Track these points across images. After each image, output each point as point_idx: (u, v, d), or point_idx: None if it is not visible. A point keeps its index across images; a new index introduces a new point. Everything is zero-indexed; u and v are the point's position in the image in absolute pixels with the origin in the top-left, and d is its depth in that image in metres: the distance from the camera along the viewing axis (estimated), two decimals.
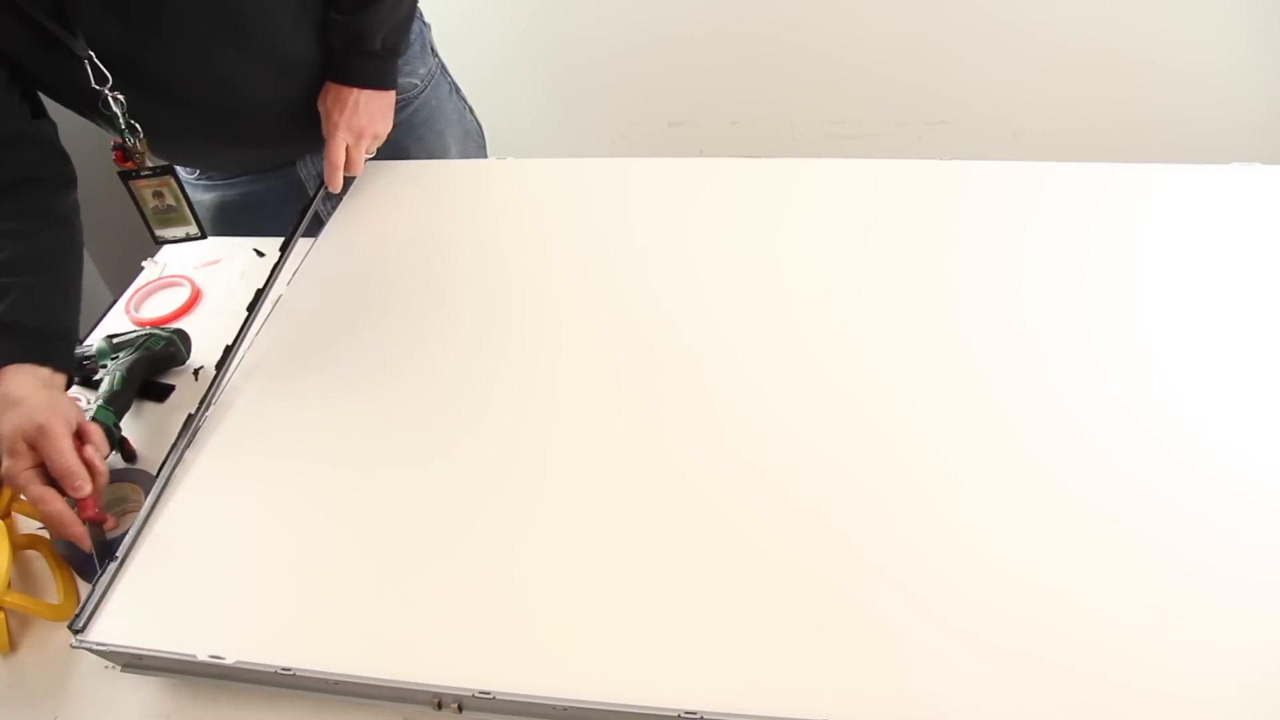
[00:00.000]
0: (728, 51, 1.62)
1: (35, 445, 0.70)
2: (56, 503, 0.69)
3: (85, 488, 0.70)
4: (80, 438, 0.73)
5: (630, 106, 1.71)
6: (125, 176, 0.93)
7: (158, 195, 0.95)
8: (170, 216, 0.97)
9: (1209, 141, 1.54)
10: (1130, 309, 0.79)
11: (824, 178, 0.99)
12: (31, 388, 0.73)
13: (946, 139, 1.67)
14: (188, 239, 1.00)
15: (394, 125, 1.05)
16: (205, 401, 0.82)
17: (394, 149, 1.10)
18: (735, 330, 0.82)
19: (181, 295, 1.05)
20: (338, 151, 0.98)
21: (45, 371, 0.76)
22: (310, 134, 1.00)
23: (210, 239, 1.14)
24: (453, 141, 1.19)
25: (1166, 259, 0.84)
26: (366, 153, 1.02)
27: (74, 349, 0.82)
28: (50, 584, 0.76)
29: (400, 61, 1.03)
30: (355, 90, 0.97)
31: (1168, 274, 0.82)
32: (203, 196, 1.13)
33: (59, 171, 0.87)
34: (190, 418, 0.80)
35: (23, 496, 0.71)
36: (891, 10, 1.54)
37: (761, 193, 0.98)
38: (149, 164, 0.93)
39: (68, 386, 0.78)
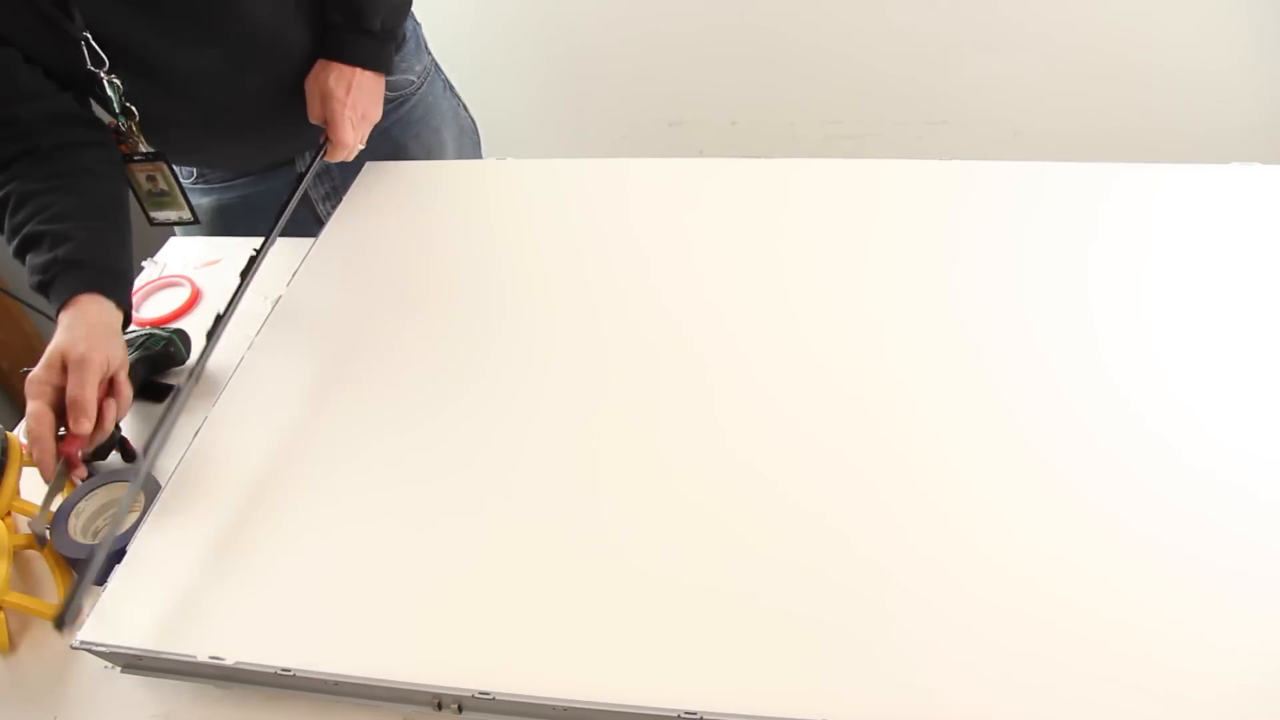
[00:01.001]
0: (728, 51, 1.62)
1: (67, 369, 0.73)
2: (45, 426, 0.71)
3: (85, 426, 0.71)
4: (110, 385, 0.75)
5: (630, 106, 1.71)
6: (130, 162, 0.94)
7: (150, 179, 0.96)
8: (163, 200, 0.98)
9: (1209, 141, 1.54)
10: (1131, 309, 0.79)
11: (824, 178, 0.99)
12: (98, 318, 0.77)
13: (946, 139, 1.67)
14: (180, 223, 1.00)
15: (393, 122, 1.05)
16: (194, 373, 0.82)
17: (392, 146, 1.10)
18: (735, 331, 0.82)
19: (181, 295, 1.05)
20: (345, 129, 0.97)
21: (110, 305, 0.79)
22: (309, 128, 1.00)
23: (210, 239, 1.14)
24: (449, 138, 1.19)
25: (1167, 259, 0.84)
26: (361, 141, 1.01)
27: (130, 291, 0.84)
28: (50, 584, 0.76)
29: (398, 58, 1.03)
30: (355, 70, 0.97)
31: (1168, 274, 0.82)
32: (200, 200, 1.13)
33: (96, 135, 0.89)
34: (177, 390, 0.80)
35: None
36: (892, 10, 1.53)
37: (761, 193, 0.97)
38: (141, 149, 0.93)
39: (124, 327, 0.82)
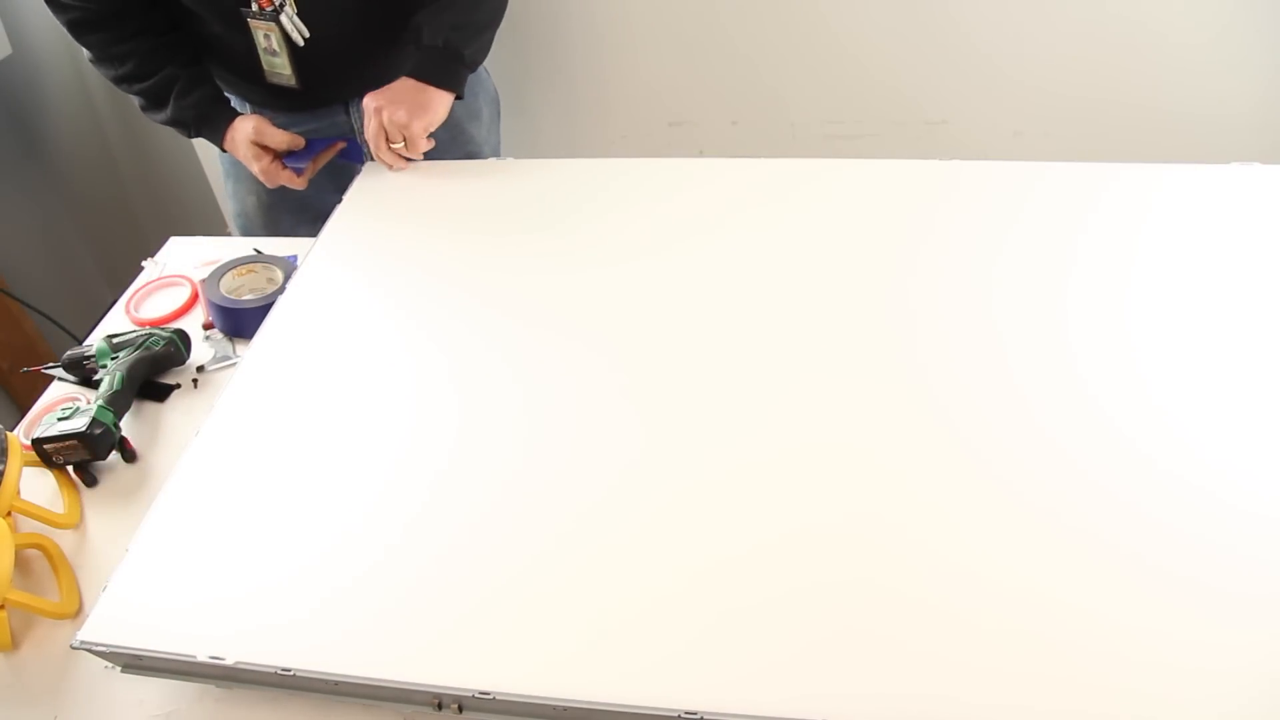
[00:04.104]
0: (728, 51, 1.62)
1: (263, 143, 1.07)
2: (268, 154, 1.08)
3: (300, 141, 1.10)
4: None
5: (630, 106, 1.71)
6: (245, 13, 1.03)
7: (266, 38, 1.05)
8: (274, 61, 1.08)
9: (1209, 141, 1.54)
10: (1130, 309, 0.79)
11: (824, 178, 0.99)
12: (254, 120, 1.08)
13: (946, 139, 1.67)
14: (285, 83, 1.10)
15: None
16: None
17: None
18: (735, 331, 0.82)
19: (181, 295, 1.05)
20: (374, 132, 1.04)
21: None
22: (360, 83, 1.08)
23: (210, 238, 1.15)
24: (484, 104, 1.27)
25: (1166, 259, 0.84)
26: (414, 150, 1.06)
27: None
28: (51, 583, 0.76)
29: None
30: (405, 79, 1.04)
31: (1167, 274, 0.82)
32: None
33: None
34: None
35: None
36: (892, 10, 1.53)
37: (761, 193, 0.98)
38: (254, 5, 1.02)
39: None
